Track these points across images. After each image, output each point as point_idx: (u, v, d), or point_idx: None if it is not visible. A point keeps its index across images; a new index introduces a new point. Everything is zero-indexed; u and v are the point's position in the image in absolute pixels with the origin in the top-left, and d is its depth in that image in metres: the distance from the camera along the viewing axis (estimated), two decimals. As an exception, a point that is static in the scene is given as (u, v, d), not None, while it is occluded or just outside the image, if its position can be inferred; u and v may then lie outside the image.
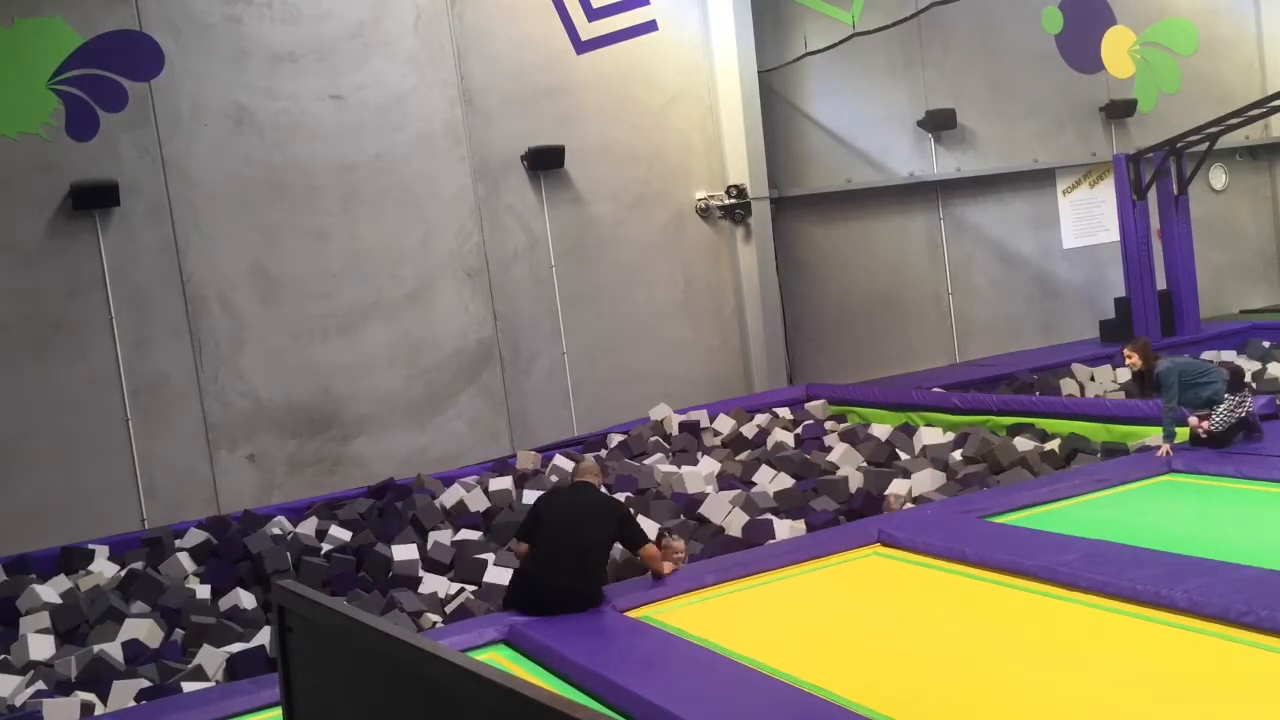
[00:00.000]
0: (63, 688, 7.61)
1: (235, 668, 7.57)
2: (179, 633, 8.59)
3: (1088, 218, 17.97)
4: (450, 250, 13.72)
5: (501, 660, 6.71)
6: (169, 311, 12.44)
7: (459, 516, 10.67)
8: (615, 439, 13.14)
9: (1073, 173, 17.86)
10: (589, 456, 8.01)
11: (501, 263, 13.98)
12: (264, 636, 8.08)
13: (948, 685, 5.66)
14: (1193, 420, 9.45)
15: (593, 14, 14.54)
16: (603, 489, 7.92)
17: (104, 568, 10.29)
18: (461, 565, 9.52)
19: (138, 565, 10.09)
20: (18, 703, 7.44)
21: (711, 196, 15.22)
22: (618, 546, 7.73)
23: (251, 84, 12.83)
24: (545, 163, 14.05)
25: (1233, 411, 9.26)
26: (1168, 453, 9.24)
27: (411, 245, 13.51)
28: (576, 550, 7.18)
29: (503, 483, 11.53)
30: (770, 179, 15.49)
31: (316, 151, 13.08)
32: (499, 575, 9.06)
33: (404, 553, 9.84)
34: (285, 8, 12.98)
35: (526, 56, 14.14)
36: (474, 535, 10.12)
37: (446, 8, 13.71)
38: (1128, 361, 9.71)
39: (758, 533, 9.22)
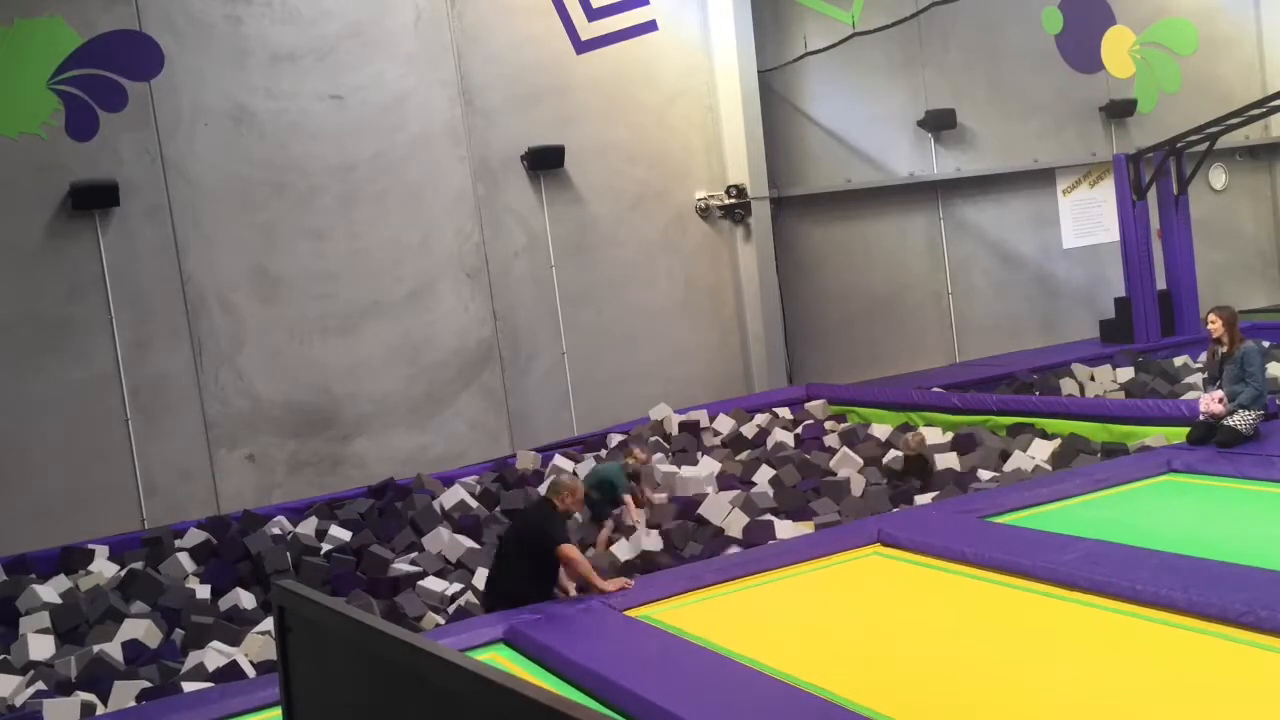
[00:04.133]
0: (63, 688, 7.62)
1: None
2: (179, 633, 8.59)
3: (1088, 218, 17.96)
4: (450, 250, 13.72)
5: (501, 660, 6.71)
6: (169, 311, 12.44)
7: (459, 517, 10.67)
8: (615, 439, 13.15)
9: (1073, 173, 17.86)
10: (567, 475, 8.09)
11: (501, 263, 13.97)
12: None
13: (948, 685, 5.66)
14: (1216, 394, 9.39)
15: (593, 14, 14.54)
16: (565, 508, 7.69)
17: (104, 568, 10.29)
18: (461, 566, 9.54)
19: (138, 565, 10.09)
20: (18, 703, 7.44)
21: (711, 196, 15.22)
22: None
23: (251, 84, 12.83)
24: (545, 163, 14.04)
25: (1257, 419, 9.28)
26: (1217, 411, 9.22)
27: (411, 245, 13.51)
28: (509, 573, 7.55)
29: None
30: (770, 179, 15.49)
31: (316, 151, 13.08)
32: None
33: (404, 554, 9.86)
34: (285, 8, 12.98)
35: (526, 56, 14.14)
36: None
37: (446, 8, 13.71)
38: (1210, 325, 9.56)
39: (758, 533, 9.22)
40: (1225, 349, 9.48)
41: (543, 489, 11.19)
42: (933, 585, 7.23)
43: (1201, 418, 9.45)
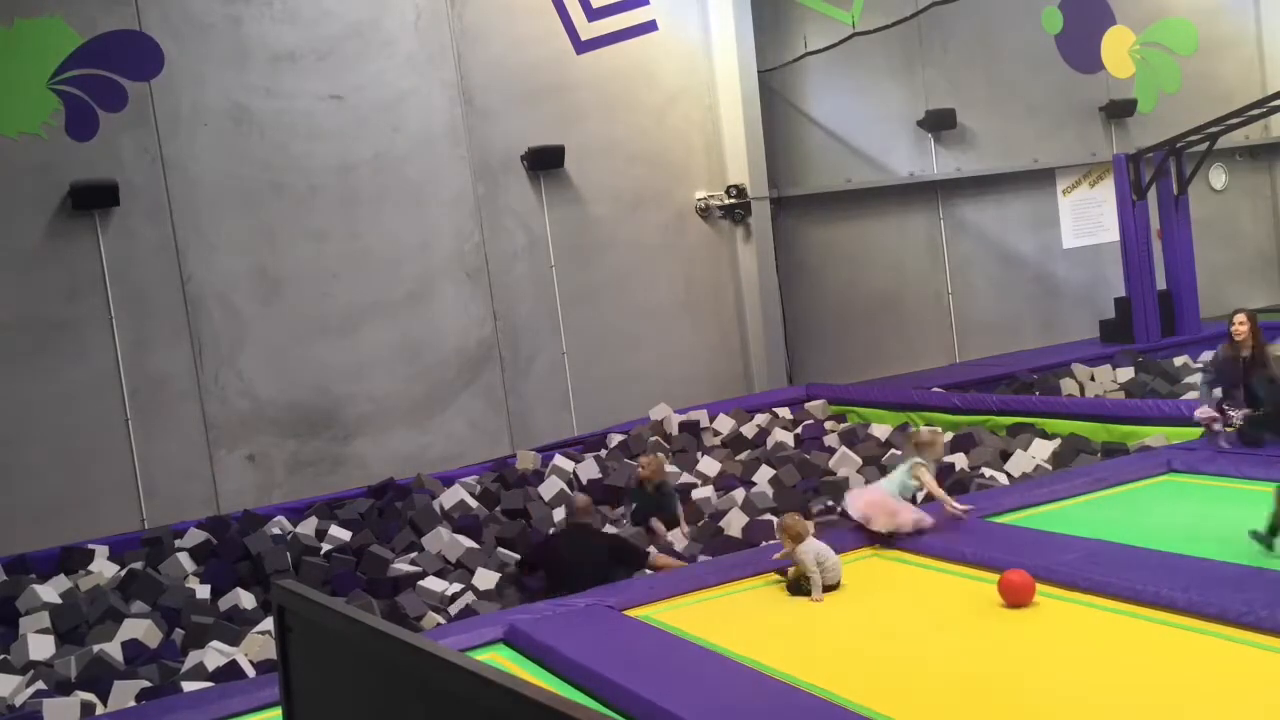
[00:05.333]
0: (63, 688, 7.61)
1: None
2: (179, 633, 8.59)
3: (1087, 218, 17.96)
4: (450, 250, 13.72)
5: (501, 660, 6.71)
6: (169, 311, 12.44)
7: (458, 517, 10.68)
8: (615, 439, 13.14)
9: (1073, 173, 17.86)
10: (582, 496, 9.38)
11: (501, 263, 13.97)
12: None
13: (948, 685, 5.66)
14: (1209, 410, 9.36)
15: (593, 14, 14.53)
16: (600, 524, 8.34)
17: (104, 568, 10.29)
18: (461, 566, 9.54)
19: (138, 565, 10.09)
20: (18, 703, 7.44)
21: (711, 196, 15.22)
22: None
23: (251, 84, 12.83)
24: (545, 163, 14.04)
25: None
26: (1235, 425, 9.16)
27: (411, 245, 13.51)
28: (582, 584, 7.85)
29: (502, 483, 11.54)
30: (770, 179, 15.49)
31: (316, 151, 13.07)
32: (496, 578, 9.10)
33: (404, 554, 9.86)
34: (285, 8, 12.98)
35: (526, 56, 14.13)
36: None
37: (446, 8, 13.71)
38: (1236, 327, 9.26)
39: (758, 533, 9.22)
40: (1248, 354, 9.26)
41: (543, 489, 11.21)
42: (933, 585, 7.23)
43: (1216, 428, 9.31)
